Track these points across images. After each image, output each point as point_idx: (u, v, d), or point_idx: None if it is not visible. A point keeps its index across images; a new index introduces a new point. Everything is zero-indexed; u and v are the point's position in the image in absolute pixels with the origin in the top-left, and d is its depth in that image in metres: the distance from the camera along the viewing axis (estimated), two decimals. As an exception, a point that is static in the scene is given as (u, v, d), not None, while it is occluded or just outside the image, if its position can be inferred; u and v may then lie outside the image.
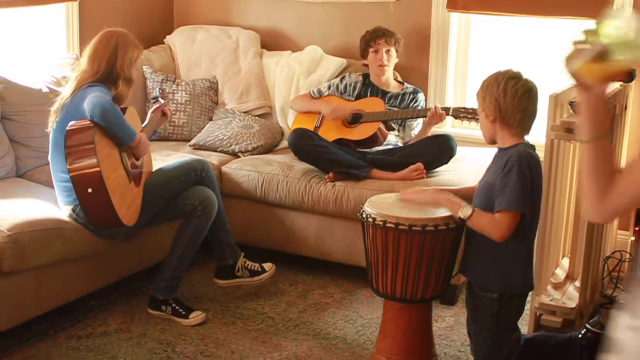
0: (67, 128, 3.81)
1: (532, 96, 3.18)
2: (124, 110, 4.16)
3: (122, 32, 4.18)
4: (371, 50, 4.96)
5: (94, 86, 3.96)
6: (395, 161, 4.63)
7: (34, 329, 3.97)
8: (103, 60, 4.05)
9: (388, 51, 4.93)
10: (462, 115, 4.63)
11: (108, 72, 4.05)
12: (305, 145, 4.67)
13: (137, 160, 4.12)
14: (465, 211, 3.21)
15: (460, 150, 4.71)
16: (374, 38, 4.94)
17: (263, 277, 4.45)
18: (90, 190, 3.72)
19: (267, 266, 4.47)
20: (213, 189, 4.31)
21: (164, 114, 4.49)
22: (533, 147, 3.23)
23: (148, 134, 4.30)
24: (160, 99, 4.52)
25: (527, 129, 3.23)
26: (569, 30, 5.07)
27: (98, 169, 3.71)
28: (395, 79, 5.11)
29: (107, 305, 4.32)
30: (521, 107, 3.17)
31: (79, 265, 4.07)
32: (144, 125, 4.34)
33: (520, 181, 3.07)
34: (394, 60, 4.98)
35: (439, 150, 4.61)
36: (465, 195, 3.55)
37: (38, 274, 3.85)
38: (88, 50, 4.11)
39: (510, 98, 3.15)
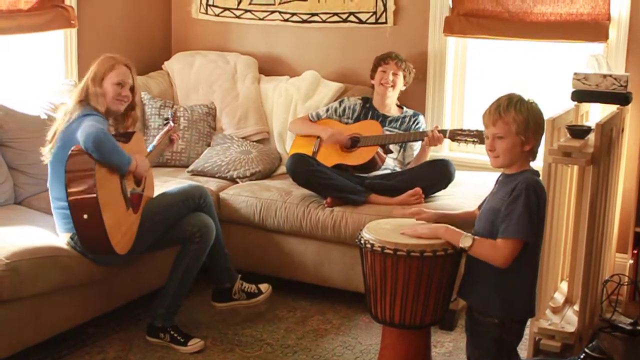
0: (69, 152, 3.81)
1: None
2: (131, 135, 4.17)
3: (108, 55, 4.24)
4: (380, 69, 5.00)
5: (87, 115, 3.97)
6: (393, 186, 4.63)
7: (31, 357, 3.94)
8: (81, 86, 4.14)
9: (395, 74, 4.95)
10: (458, 137, 4.63)
11: (85, 88, 4.10)
12: (303, 170, 4.67)
13: (138, 185, 4.12)
14: (465, 241, 3.19)
15: (458, 175, 4.71)
16: (385, 58, 4.99)
17: (259, 299, 4.44)
18: (85, 216, 3.73)
19: (264, 287, 4.47)
20: (211, 215, 4.31)
21: (171, 140, 4.49)
22: (538, 173, 3.22)
23: (153, 158, 4.31)
24: (171, 122, 4.53)
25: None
26: (564, 53, 5.09)
27: (95, 196, 3.71)
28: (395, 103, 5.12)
29: (105, 333, 4.29)
30: (542, 134, 3.20)
31: (76, 293, 4.05)
32: (149, 149, 4.35)
33: (527, 209, 3.05)
34: (400, 86, 5.01)
35: (437, 175, 4.61)
36: (464, 219, 3.55)
37: (36, 302, 3.83)
38: None
39: (544, 125, 3.16)
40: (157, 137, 4.45)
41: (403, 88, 5.05)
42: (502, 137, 3.16)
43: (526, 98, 3.18)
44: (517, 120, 3.11)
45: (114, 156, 3.87)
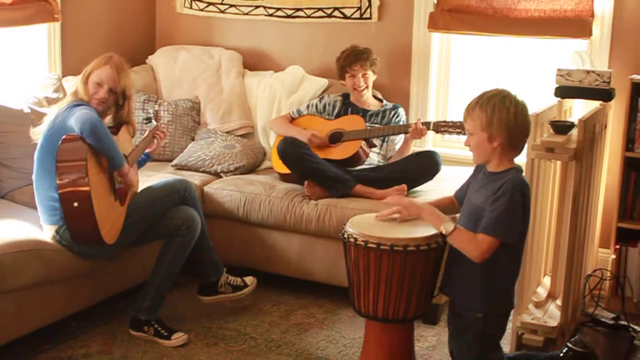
0: (61, 140, 3.80)
1: (529, 118, 3.19)
2: (119, 128, 4.16)
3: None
4: (347, 75, 4.98)
5: (78, 105, 3.96)
6: (380, 177, 4.64)
7: (14, 351, 3.93)
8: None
9: (364, 75, 4.94)
10: (442, 129, 4.64)
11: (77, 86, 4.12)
12: (294, 151, 4.66)
13: None
14: (447, 226, 3.19)
15: (443, 169, 4.71)
16: (349, 64, 4.95)
17: (245, 291, 4.47)
18: (75, 204, 3.72)
19: (249, 280, 4.49)
20: (196, 208, 4.31)
21: (154, 137, 4.49)
22: (521, 170, 3.22)
23: (137, 155, 4.30)
24: (153, 120, 4.53)
25: (521, 151, 3.24)
26: (547, 50, 5.11)
27: (86, 183, 3.71)
28: (374, 96, 5.12)
29: (88, 327, 4.29)
30: (527, 132, 3.18)
31: (60, 286, 4.04)
32: (135, 145, 4.35)
33: (509, 209, 3.05)
34: (372, 79, 5.00)
35: (424, 167, 4.62)
36: (443, 206, 3.56)
37: (19, 295, 3.82)
38: None
39: (520, 123, 3.12)
40: (143, 138, 4.45)
41: (375, 77, 5.05)
42: (472, 133, 3.19)
43: (512, 94, 3.16)
44: (480, 117, 3.12)
45: (110, 146, 3.87)
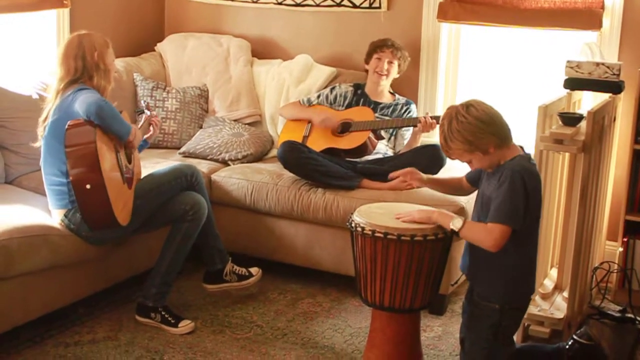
0: (67, 126, 3.81)
1: (486, 107, 3.16)
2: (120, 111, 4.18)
3: (84, 32, 4.17)
4: (375, 56, 4.99)
5: (82, 89, 3.96)
6: (385, 171, 4.62)
7: (21, 336, 3.95)
8: (71, 57, 4.04)
9: (390, 62, 4.95)
10: None
11: (82, 67, 4.04)
12: (295, 157, 4.66)
13: (129, 162, 4.12)
14: (456, 222, 3.19)
15: (449, 160, 4.69)
16: (382, 46, 4.98)
17: (250, 281, 4.47)
18: (88, 186, 3.73)
19: (254, 270, 4.49)
20: (202, 194, 4.32)
21: (150, 125, 4.49)
22: (529, 157, 3.20)
23: (138, 140, 4.31)
24: (145, 111, 4.53)
25: (510, 134, 3.21)
26: (557, 41, 5.09)
27: (98, 166, 3.72)
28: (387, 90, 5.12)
29: (95, 313, 4.30)
30: (499, 117, 3.15)
31: (67, 272, 4.05)
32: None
33: (509, 196, 3.04)
34: (394, 74, 5.00)
35: (428, 160, 4.60)
36: (452, 186, 3.57)
37: (25, 281, 3.84)
38: (57, 58, 4.11)
39: (487, 119, 3.09)
40: (140, 125, 4.46)
41: (397, 76, 5.05)
42: (470, 160, 3.18)
43: (455, 106, 3.15)
44: (459, 147, 3.13)
45: (116, 123, 3.90)
